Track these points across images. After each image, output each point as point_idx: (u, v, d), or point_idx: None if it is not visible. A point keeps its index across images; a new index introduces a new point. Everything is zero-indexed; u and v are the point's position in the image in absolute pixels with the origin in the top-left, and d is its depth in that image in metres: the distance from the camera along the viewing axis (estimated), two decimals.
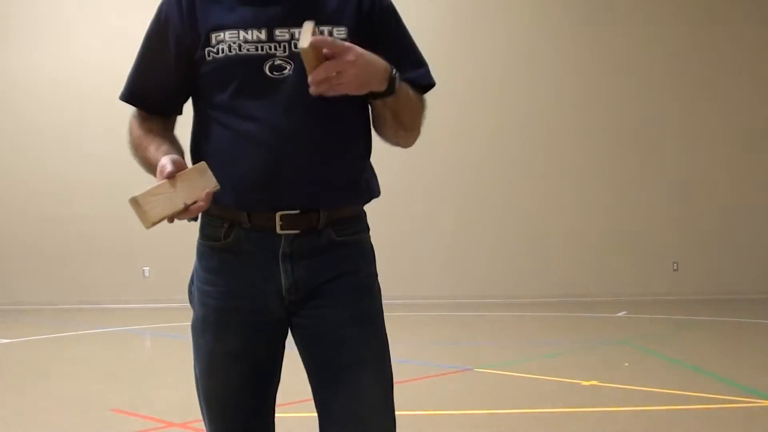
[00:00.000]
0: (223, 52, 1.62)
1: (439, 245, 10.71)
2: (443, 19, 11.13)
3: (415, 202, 10.42)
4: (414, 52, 1.75)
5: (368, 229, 1.78)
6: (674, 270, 11.23)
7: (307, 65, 1.46)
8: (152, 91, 1.73)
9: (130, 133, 1.74)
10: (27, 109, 10.88)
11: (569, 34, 11.28)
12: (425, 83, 1.73)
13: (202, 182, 1.50)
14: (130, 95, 1.75)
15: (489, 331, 8.14)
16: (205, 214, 1.68)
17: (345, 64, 1.46)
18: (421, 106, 1.73)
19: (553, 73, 11.22)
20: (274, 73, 1.61)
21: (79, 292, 10.65)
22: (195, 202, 1.49)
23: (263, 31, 1.62)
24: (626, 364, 5.88)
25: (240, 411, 1.71)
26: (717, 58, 11.37)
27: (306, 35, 1.42)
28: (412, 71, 1.71)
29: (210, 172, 1.51)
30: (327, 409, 1.69)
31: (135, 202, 1.51)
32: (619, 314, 9.31)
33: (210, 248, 1.71)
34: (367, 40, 1.59)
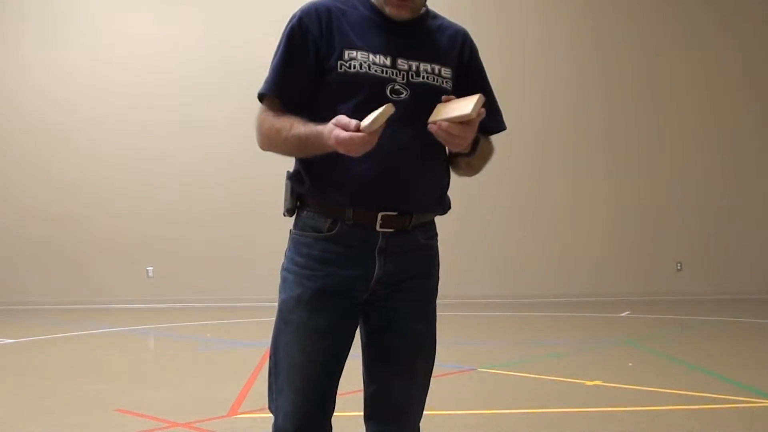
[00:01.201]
0: (354, 68, 1.88)
1: (444, 245, 10.66)
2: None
3: None
4: (493, 100, 2.05)
5: (437, 234, 2.11)
6: (678, 270, 11.21)
7: (452, 118, 1.74)
8: (293, 87, 1.93)
9: (262, 126, 1.94)
10: (33, 108, 10.89)
11: (572, 36, 11.27)
12: (499, 129, 2.07)
13: (381, 115, 1.69)
14: (275, 88, 1.93)
15: (492, 331, 8.14)
16: (308, 209, 1.96)
17: (468, 135, 1.76)
18: (489, 152, 2.07)
19: (557, 75, 11.21)
20: (393, 95, 1.89)
21: (83, 292, 10.66)
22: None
23: (388, 58, 1.91)
24: (630, 364, 5.88)
25: (317, 380, 1.94)
26: (718, 58, 11.35)
27: (476, 107, 1.70)
28: (490, 118, 1.93)
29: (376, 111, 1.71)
30: (379, 387, 2.02)
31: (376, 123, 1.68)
32: (623, 314, 9.30)
33: (313, 239, 1.94)
34: (460, 81, 2.00)
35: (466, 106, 1.72)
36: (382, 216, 1.90)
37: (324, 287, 1.92)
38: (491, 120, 1.97)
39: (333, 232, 1.92)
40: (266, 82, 1.96)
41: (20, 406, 4.66)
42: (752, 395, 4.78)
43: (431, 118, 1.79)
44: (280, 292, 2.00)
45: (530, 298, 10.71)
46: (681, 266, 11.21)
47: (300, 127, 1.84)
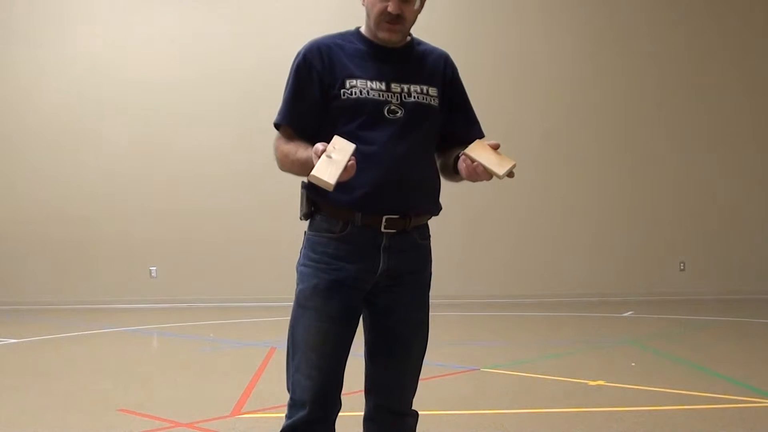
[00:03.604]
0: (355, 94, 2.22)
1: (447, 246, 10.68)
2: (448, 21, 11.13)
3: None
4: (472, 112, 2.46)
5: (431, 236, 2.39)
6: (681, 270, 11.20)
7: (485, 167, 2.10)
8: (302, 117, 2.28)
9: (277, 150, 2.30)
10: (34, 109, 10.90)
11: (580, 37, 11.26)
12: (478, 138, 2.33)
13: (346, 147, 2.04)
14: (289, 120, 2.29)
15: (495, 331, 8.14)
16: (321, 214, 2.27)
17: (484, 180, 2.15)
18: None
19: (561, 73, 11.20)
20: (390, 114, 2.23)
21: (86, 292, 10.67)
22: (349, 162, 2.02)
23: (383, 83, 2.25)
24: (633, 364, 5.88)
25: (331, 358, 2.26)
26: (721, 58, 11.33)
27: (507, 172, 2.09)
28: (471, 127, 2.41)
29: (344, 139, 2.06)
30: (378, 365, 2.35)
31: (314, 177, 1.98)
32: (626, 314, 9.30)
33: (327, 238, 2.26)
34: (444, 98, 2.35)
35: (501, 166, 2.07)
36: (386, 219, 2.22)
37: (337, 278, 2.24)
38: (472, 131, 2.38)
39: (344, 232, 2.23)
40: (279, 112, 2.30)
41: (23, 406, 4.67)
42: (755, 395, 4.78)
43: (467, 151, 2.12)
44: (297, 284, 2.31)
45: (533, 298, 10.70)
46: (684, 266, 11.19)
47: (302, 152, 2.17)
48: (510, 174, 2.10)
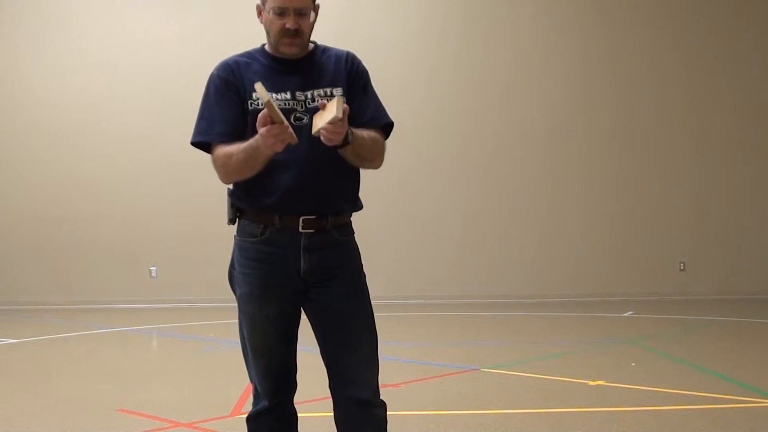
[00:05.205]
0: (261, 105, 2.22)
1: (447, 245, 10.71)
2: (451, 20, 11.13)
3: (423, 203, 10.43)
4: (375, 101, 2.50)
5: (354, 232, 2.50)
6: (681, 270, 11.19)
7: (327, 123, 2.15)
8: (232, 128, 2.37)
9: (218, 161, 2.39)
10: (33, 109, 10.90)
11: (576, 35, 11.24)
12: (382, 123, 2.47)
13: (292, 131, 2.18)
14: (216, 134, 2.39)
15: (495, 331, 8.14)
16: (245, 219, 2.42)
17: (340, 130, 2.17)
18: (378, 144, 2.43)
19: (561, 73, 11.18)
20: (296, 121, 2.34)
21: (86, 292, 10.66)
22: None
23: (288, 93, 2.38)
24: (633, 364, 5.87)
25: (276, 355, 2.45)
26: (725, 57, 11.32)
27: (339, 108, 2.13)
28: (373, 114, 2.46)
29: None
30: (333, 359, 2.42)
31: (259, 84, 2.13)
32: (626, 314, 9.30)
33: (250, 243, 2.40)
34: (352, 92, 2.43)
35: (330, 113, 2.14)
36: (303, 220, 2.34)
37: (264, 282, 2.38)
38: (374, 115, 2.44)
39: (265, 236, 2.37)
40: (205, 132, 2.40)
41: (23, 406, 4.67)
42: (756, 395, 4.78)
43: (313, 130, 2.19)
44: (234, 289, 2.47)
45: (533, 298, 10.69)
46: (684, 266, 11.19)
47: (244, 144, 2.26)
48: (343, 109, 2.14)
